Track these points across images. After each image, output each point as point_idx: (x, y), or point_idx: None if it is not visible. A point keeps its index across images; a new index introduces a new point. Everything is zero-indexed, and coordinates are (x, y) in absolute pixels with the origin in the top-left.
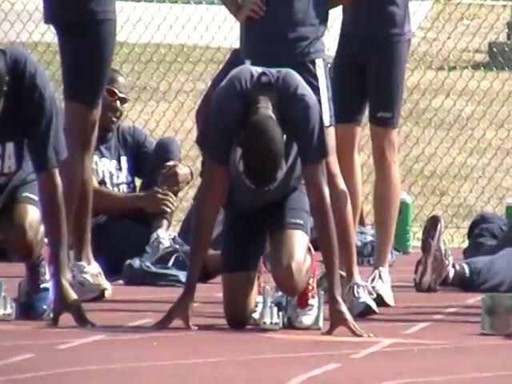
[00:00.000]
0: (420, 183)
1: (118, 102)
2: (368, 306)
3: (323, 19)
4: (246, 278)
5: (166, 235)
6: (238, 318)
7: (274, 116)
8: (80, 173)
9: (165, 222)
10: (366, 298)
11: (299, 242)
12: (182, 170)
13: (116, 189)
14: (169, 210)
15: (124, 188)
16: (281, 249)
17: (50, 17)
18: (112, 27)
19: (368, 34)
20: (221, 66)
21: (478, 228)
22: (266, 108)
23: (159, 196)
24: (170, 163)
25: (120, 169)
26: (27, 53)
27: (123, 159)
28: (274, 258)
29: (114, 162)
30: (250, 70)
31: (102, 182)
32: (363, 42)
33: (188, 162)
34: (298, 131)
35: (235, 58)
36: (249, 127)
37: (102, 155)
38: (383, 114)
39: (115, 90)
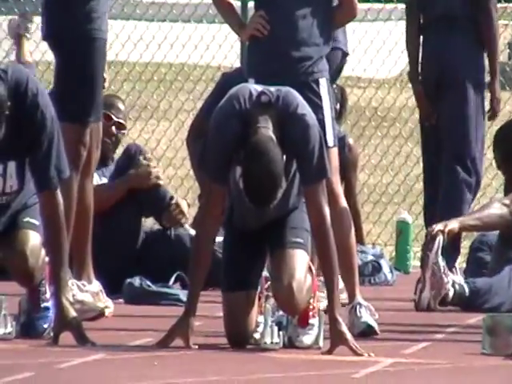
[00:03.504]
0: (420, 203)
1: (114, 128)
2: (369, 326)
3: (327, 39)
4: (247, 297)
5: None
6: (238, 337)
7: (273, 136)
8: (75, 192)
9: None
10: (367, 317)
11: (300, 261)
12: (182, 203)
13: None
14: (161, 182)
15: None
16: (281, 268)
17: (45, 32)
18: (101, 45)
19: None
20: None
21: (477, 241)
22: (266, 128)
23: (146, 169)
24: (174, 201)
25: None
26: (28, 72)
27: None
28: (275, 277)
29: None
30: (250, 88)
31: None
32: None
33: (189, 182)
34: (298, 151)
35: (224, 82)
36: (249, 148)
37: (102, 174)
38: None
39: (111, 115)
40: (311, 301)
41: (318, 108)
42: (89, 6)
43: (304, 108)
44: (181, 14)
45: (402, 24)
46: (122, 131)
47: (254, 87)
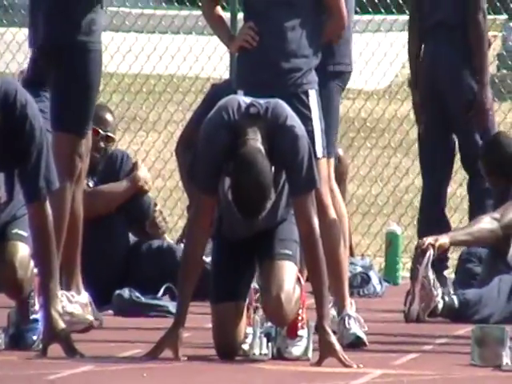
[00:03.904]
0: (410, 214)
1: (102, 143)
2: (358, 338)
3: (316, 51)
4: (235, 308)
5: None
6: (227, 348)
7: (262, 148)
8: (69, 203)
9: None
10: (356, 329)
11: (288, 272)
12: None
13: None
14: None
15: None
16: (270, 279)
17: (36, 43)
18: (98, 57)
19: None
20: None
21: (466, 253)
22: (255, 140)
23: (146, 173)
24: (157, 207)
25: None
26: (17, 83)
27: None
28: (264, 288)
29: None
30: (238, 100)
31: None
32: None
33: (178, 193)
34: (287, 162)
35: (214, 94)
36: (237, 160)
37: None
38: None
39: (99, 130)
40: (300, 312)
41: (307, 119)
42: (90, 18)
43: (293, 120)
44: (170, 25)
45: (391, 35)
46: (111, 144)
47: (243, 99)
